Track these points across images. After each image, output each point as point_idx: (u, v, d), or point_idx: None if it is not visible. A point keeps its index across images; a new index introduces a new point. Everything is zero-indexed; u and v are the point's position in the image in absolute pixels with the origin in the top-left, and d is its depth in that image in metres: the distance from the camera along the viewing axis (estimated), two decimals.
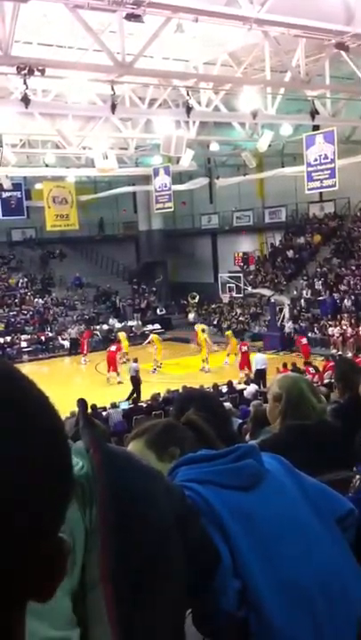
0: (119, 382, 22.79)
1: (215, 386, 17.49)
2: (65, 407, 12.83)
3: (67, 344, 31.07)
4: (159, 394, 17.22)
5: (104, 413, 16.18)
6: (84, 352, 28.18)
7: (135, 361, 21.39)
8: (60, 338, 31.93)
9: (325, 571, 1.37)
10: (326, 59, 15.59)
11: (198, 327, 27.10)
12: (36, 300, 35.00)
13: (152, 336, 26.73)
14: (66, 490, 0.69)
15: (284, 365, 19.84)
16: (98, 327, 33.02)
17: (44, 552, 0.66)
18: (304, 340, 24.93)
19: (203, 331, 25.95)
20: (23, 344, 31.01)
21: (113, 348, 24.22)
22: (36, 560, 0.65)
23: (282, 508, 1.44)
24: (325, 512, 1.49)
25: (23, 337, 31.54)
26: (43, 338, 31.77)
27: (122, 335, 27.31)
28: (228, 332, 26.91)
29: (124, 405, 17.61)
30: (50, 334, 32.24)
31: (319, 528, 1.45)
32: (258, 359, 21.62)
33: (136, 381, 20.50)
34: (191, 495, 1.32)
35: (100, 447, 1.12)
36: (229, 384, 18.43)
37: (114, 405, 16.95)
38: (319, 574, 1.35)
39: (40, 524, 0.66)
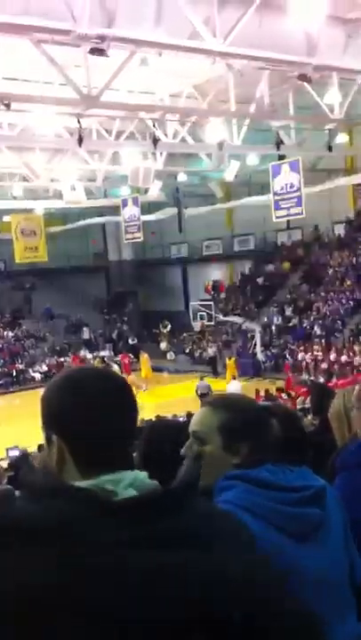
0: None
1: (189, 414, 17.37)
2: (35, 441, 12.67)
3: (38, 376, 30.73)
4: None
5: None
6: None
7: (201, 379, 22.67)
8: (30, 370, 31.58)
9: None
10: (290, 90, 15.89)
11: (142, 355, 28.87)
12: (5, 332, 34.67)
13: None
14: None
15: (257, 392, 19.84)
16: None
17: None
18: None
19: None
20: None
21: None
22: None
23: (325, 567, 1.44)
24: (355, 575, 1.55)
25: None
26: (13, 371, 31.41)
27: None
28: (230, 361, 26.27)
29: None
30: (20, 367, 31.87)
31: (350, 593, 1.49)
32: (232, 386, 21.58)
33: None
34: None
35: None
36: None
37: None
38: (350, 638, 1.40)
39: None
